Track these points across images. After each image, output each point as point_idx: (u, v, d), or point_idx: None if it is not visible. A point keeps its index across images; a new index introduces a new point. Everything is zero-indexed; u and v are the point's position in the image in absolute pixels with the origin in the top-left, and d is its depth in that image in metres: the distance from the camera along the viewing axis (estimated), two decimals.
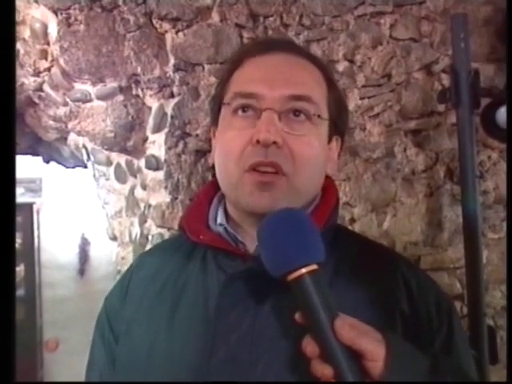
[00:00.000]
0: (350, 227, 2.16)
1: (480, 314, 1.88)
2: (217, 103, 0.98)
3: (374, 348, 0.72)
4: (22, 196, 5.55)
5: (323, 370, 0.72)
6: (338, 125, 0.98)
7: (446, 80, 2.17)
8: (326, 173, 0.96)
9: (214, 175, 2.02)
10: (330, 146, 0.96)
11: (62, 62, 2.03)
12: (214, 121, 1.00)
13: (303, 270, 0.75)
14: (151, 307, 0.95)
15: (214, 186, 1.03)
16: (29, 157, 3.07)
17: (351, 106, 2.16)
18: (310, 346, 0.74)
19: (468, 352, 0.95)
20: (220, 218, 0.97)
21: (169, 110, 2.06)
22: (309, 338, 0.74)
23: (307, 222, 0.80)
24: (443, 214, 2.20)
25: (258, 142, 0.86)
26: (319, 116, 0.90)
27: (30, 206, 5.44)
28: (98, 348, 1.02)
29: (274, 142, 0.85)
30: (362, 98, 2.17)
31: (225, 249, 0.92)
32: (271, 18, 2.12)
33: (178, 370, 0.85)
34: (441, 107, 2.17)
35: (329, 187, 0.98)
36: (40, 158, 3.09)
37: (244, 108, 0.90)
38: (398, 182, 2.19)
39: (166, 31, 2.07)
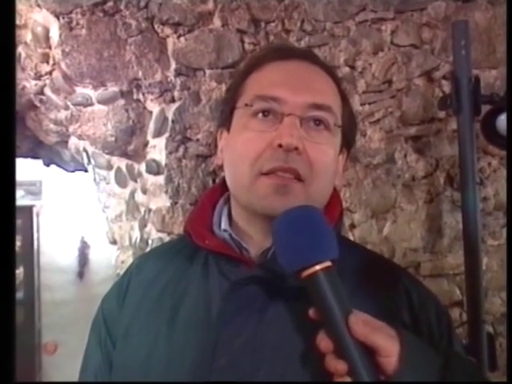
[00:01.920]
0: (350, 233, 2.16)
1: (479, 320, 1.88)
2: (229, 105, 0.97)
3: (387, 344, 0.72)
4: (22, 199, 5.55)
5: (336, 366, 0.72)
6: (349, 138, 0.98)
7: (446, 86, 2.17)
8: (334, 184, 0.97)
9: (214, 180, 2.03)
10: (339, 158, 0.97)
11: (63, 65, 2.04)
12: (224, 123, 0.99)
13: (317, 267, 0.75)
14: (151, 312, 0.94)
15: (218, 191, 1.02)
16: (29, 160, 3.07)
17: None
18: (324, 342, 0.73)
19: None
20: (224, 224, 0.96)
21: (170, 115, 2.07)
22: (323, 334, 0.74)
23: (322, 219, 0.80)
24: (443, 221, 2.20)
25: (280, 146, 0.85)
26: (339, 126, 0.92)
27: (29, 208, 5.44)
28: (93, 349, 1.01)
29: (296, 148, 0.85)
30: (362, 104, 2.18)
31: (229, 255, 0.91)
32: (273, 24, 2.13)
33: (178, 377, 0.85)
34: (441, 114, 2.17)
35: (334, 197, 0.98)
36: (41, 161, 3.09)
37: (265, 112, 0.89)
38: (398, 188, 2.19)
39: (168, 36, 2.08)
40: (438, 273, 2.20)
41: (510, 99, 1.79)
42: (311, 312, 0.76)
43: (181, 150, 2.06)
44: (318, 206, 0.90)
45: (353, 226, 2.17)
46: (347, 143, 0.99)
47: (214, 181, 2.08)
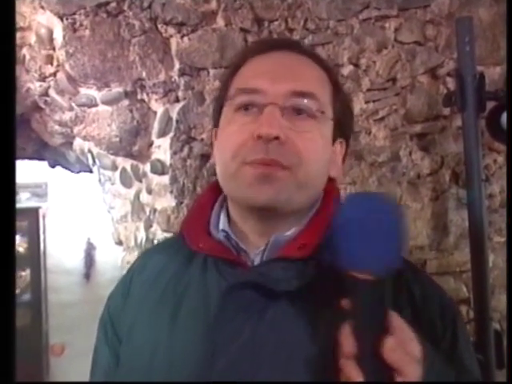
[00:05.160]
0: None
1: (486, 318, 1.87)
2: (219, 103, 0.97)
3: (411, 370, 0.71)
4: (27, 201, 5.57)
5: (351, 372, 0.70)
6: (343, 127, 0.96)
7: (451, 83, 2.17)
8: (330, 175, 0.94)
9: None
10: (334, 149, 0.95)
11: (67, 67, 2.04)
12: (216, 122, 0.98)
13: (370, 276, 0.72)
14: (153, 311, 0.93)
15: (215, 189, 0.99)
16: (35, 162, 3.08)
17: (356, 109, 2.15)
18: (347, 344, 0.71)
19: (473, 358, 0.93)
20: (222, 224, 0.94)
21: (174, 115, 2.07)
22: (349, 333, 0.72)
23: (397, 220, 0.74)
24: (449, 218, 2.19)
25: (259, 137, 0.84)
26: (322, 112, 0.89)
27: (35, 210, 5.46)
28: (101, 347, 1.01)
29: (277, 138, 0.83)
30: (367, 102, 2.17)
31: (225, 258, 0.90)
32: (276, 23, 2.12)
33: (180, 378, 0.84)
34: (446, 111, 2.17)
35: (330, 192, 0.95)
36: (46, 163, 3.10)
37: (247, 105, 0.88)
38: (403, 185, 2.18)
39: (171, 36, 2.08)
40: (444, 270, 2.20)
41: (511, 97, 1.79)
42: (344, 302, 0.73)
43: (185, 149, 2.06)
44: (310, 194, 0.89)
45: None
46: (343, 133, 0.97)
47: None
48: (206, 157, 2.07)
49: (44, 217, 5.57)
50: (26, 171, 5.15)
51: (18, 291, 5.49)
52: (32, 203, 5.54)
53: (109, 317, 1.01)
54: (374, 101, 2.18)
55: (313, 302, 0.82)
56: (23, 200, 5.57)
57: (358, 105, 2.16)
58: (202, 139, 2.06)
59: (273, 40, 0.96)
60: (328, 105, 0.92)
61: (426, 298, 0.90)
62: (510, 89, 1.81)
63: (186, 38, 2.08)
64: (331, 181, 0.97)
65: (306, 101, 0.87)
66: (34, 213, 5.44)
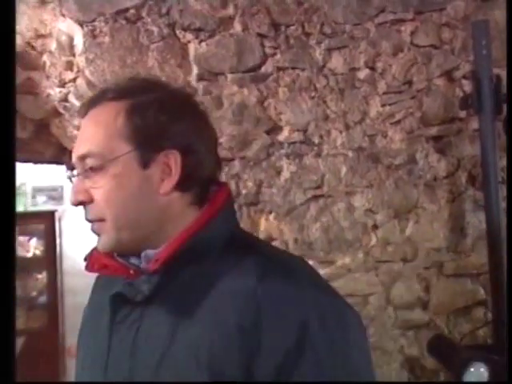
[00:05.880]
0: (372, 234, 2.17)
1: (504, 320, 1.87)
2: None
3: None
4: (44, 204, 5.61)
5: None
6: (159, 143, 0.92)
7: (467, 86, 2.18)
8: (162, 191, 0.92)
9: (237, 183, 2.05)
10: (151, 169, 0.92)
11: (87, 73, 2.08)
12: None
13: None
14: (91, 316, 1.08)
15: None
16: (53, 166, 3.11)
17: (373, 112, 2.17)
18: None
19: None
20: None
21: None
22: None
23: None
24: (466, 220, 2.20)
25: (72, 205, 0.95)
26: (101, 166, 0.91)
27: (51, 213, 5.49)
28: None
29: (82, 202, 0.93)
30: (383, 105, 2.19)
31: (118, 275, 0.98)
32: (292, 27, 2.15)
33: (93, 372, 0.96)
34: (462, 113, 2.18)
35: (213, 204, 0.96)
36: (63, 167, 3.13)
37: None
38: (420, 188, 2.20)
39: (189, 41, 2.11)
40: (461, 272, 2.21)
41: (511, 97, 1.80)
42: None
43: None
44: (142, 228, 0.92)
45: (375, 227, 2.18)
46: (166, 143, 0.92)
47: (236, 184, 2.11)
48: (224, 160, 2.09)
49: (60, 220, 5.60)
50: (43, 175, 5.21)
51: (34, 293, 5.55)
52: (48, 206, 5.58)
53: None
54: (390, 104, 2.19)
55: (168, 304, 0.90)
56: (40, 203, 5.62)
57: (375, 108, 2.18)
58: (221, 143, 2.08)
59: (88, 101, 0.97)
60: (114, 144, 0.92)
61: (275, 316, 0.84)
62: (510, 88, 1.83)
63: (203, 44, 2.11)
64: (220, 186, 0.98)
65: (88, 160, 0.93)
66: (50, 216, 5.47)
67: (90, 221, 0.93)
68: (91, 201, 0.92)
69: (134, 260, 0.95)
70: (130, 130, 0.92)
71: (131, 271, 0.94)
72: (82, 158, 0.92)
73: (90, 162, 0.92)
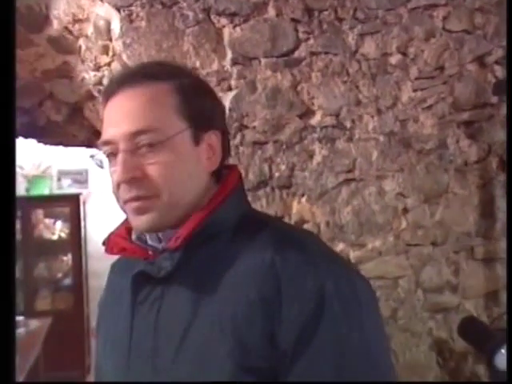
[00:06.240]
0: (402, 217, 2.20)
1: None
2: None
3: None
4: (69, 187, 5.69)
5: None
6: (211, 120, 0.99)
7: (499, 72, 2.19)
8: (208, 170, 0.98)
9: (270, 166, 2.08)
10: (200, 148, 0.97)
11: (124, 57, 2.11)
12: None
13: None
14: (108, 305, 1.10)
15: None
16: (83, 148, 3.16)
17: (404, 98, 2.19)
18: None
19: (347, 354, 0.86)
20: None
21: (227, 103, 2.12)
22: None
23: None
24: (496, 205, 2.22)
25: (118, 184, 0.94)
26: (161, 142, 0.93)
27: (76, 196, 5.56)
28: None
29: (133, 178, 0.92)
30: (415, 91, 2.20)
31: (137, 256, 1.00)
32: (326, 12, 2.16)
33: (117, 354, 0.98)
34: (494, 99, 2.19)
35: (225, 185, 1.00)
36: (86, 150, 3.16)
37: (109, 154, 0.97)
38: (450, 173, 2.22)
39: (224, 26, 2.14)
40: (490, 257, 2.23)
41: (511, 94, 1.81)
42: None
43: (238, 137, 2.12)
44: (184, 206, 0.95)
45: (406, 211, 2.21)
46: (212, 125, 0.99)
47: (269, 167, 2.14)
48: (258, 144, 2.12)
49: (85, 203, 5.68)
50: (68, 158, 5.27)
51: (60, 276, 5.65)
52: (73, 190, 5.67)
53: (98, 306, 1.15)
54: (421, 89, 2.21)
55: (189, 282, 0.92)
56: (65, 187, 5.70)
57: (406, 93, 2.20)
58: (254, 127, 2.12)
59: (120, 79, 0.97)
60: (173, 120, 0.95)
61: (292, 279, 0.88)
62: (510, 87, 1.83)
63: (238, 28, 2.13)
64: (231, 169, 1.03)
65: (144, 136, 0.93)
66: (75, 199, 5.55)
67: (137, 198, 0.93)
68: (144, 177, 0.93)
69: (151, 242, 0.98)
70: (185, 109, 0.96)
71: (150, 252, 0.97)
72: (136, 133, 0.92)
73: (147, 137, 0.92)
